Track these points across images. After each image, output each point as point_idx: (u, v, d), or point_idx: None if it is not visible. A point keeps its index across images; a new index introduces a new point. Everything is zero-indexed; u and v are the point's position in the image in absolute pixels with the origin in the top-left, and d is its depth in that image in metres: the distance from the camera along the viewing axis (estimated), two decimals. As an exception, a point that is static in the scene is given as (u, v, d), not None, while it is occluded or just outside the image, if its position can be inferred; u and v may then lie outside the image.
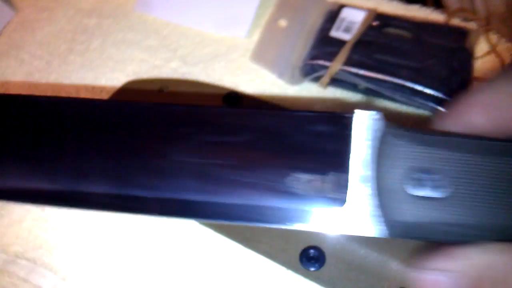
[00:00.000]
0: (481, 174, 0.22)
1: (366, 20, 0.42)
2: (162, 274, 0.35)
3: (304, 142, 0.24)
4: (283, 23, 0.44)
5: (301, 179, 0.23)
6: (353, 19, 0.42)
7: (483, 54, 0.42)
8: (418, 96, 0.39)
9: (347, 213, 0.23)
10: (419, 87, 0.39)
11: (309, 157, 0.23)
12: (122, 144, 0.25)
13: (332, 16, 0.43)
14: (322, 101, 0.42)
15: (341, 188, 0.23)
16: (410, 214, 0.22)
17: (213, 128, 0.25)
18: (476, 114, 0.23)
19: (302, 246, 0.34)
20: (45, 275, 0.35)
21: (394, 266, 0.32)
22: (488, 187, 0.22)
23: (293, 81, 0.42)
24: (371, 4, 0.45)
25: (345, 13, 0.43)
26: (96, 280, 0.36)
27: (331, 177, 0.23)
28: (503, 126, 0.23)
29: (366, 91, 0.41)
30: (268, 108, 0.39)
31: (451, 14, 0.45)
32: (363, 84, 0.41)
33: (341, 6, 0.44)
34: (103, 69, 0.46)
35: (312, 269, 0.33)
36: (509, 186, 0.22)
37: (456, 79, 0.39)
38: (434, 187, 0.22)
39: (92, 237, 0.37)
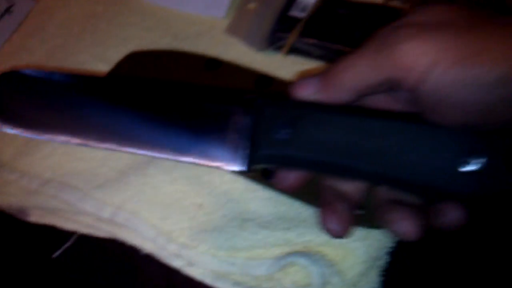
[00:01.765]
0: None
1: (317, 2, 0.54)
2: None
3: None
4: (252, 5, 0.55)
5: None
6: (307, 2, 0.54)
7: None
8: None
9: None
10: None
11: None
12: None
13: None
14: (284, 66, 0.53)
15: None
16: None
17: None
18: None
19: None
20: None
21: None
22: None
23: (261, 49, 0.54)
24: (324, -9, 0.57)
25: (302, -3, 0.55)
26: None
27: None
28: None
29: (320, 58, 0.53)
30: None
31: (388, -3, 0.56)
32: (316, 52, 0.52)
33: (299, -8, 0.55)
34: (111, 44, 0.57)
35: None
36: None
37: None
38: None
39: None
